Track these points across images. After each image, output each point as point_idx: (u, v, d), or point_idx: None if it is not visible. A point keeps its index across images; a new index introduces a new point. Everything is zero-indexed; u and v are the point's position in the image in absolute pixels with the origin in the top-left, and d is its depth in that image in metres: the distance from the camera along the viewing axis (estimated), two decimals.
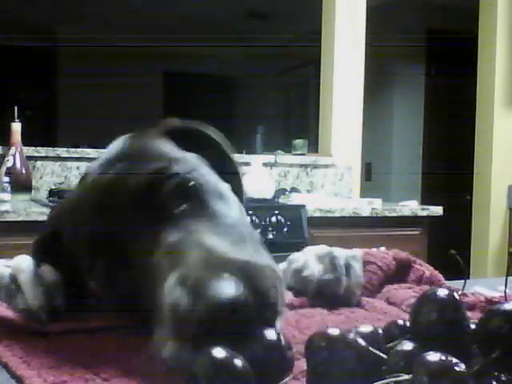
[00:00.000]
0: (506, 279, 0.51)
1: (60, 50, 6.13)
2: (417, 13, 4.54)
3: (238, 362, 0.34)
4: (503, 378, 0.33)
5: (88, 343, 0.51)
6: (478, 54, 3.42)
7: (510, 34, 3.34)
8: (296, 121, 5.95)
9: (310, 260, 0.69)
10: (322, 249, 0.71)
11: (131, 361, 0.47)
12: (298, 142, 3.23)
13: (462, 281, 0.76)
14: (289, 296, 0.67)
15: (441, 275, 0.76)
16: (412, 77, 4.69)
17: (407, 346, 0.37)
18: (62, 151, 2.60)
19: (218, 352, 0.35)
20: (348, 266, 0.69)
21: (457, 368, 0.32)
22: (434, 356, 0.32)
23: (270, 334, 0.39)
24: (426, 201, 3.92)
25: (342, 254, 0.70)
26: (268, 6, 5.22)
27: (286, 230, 2.24)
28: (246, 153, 3.02)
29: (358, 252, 0.72)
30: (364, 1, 3.17)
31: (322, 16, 3.24)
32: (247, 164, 2.76)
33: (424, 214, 2.61)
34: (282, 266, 0.73)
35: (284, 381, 0.37)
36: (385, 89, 4.69)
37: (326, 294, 0.67)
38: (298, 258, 0.71)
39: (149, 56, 6.15)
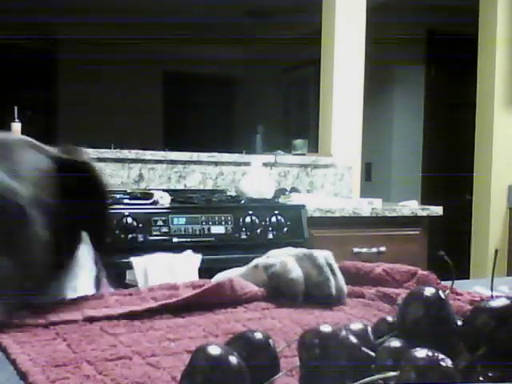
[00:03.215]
0: (492, 277, 0.51)
1: (60, 50, 6.13)
2: (417, 13, 4.54)
3: (233, 358, 0.35)
4: (489, 374, 0.33)
5: (98, 338, 0.52)
6: (478, 54, 3.42)
7: (510, 34, 3.34)
8: (296, 121, 5.95)
9: (289, 262, 0.68)
10: (293, 251, 0.71)
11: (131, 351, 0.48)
12: (298, 142, 3.23)
13: (462, 281, 0.76)
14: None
15: (435, 276, 0.76)
16: (412, 77, 4.69)
17: (395, 342, 0.38)
18: None
19: (214, 349, 0.35)
20: (330, 266, 0.69)
21: (443, 364, 0.32)
22: (421, 352, 0.33)
23: (258, 334, 0.40)
24: (425, 201, 3.92)
25: (319, 253, 0.70)
26: (268, 6, 5.22)
27: (285, 229, 2.24)
28: (246, 153, 3.02)
29: (329, 252, 0.72)
30: (364, 1, 3.17)
31: (322, 16, 3.24)
32: (247, 164, 2.76)
33: (424, 214, 2.61)
34: (241, 269, 0.73)
35: (276, 376, 0.38)
36: (385, 89, 4.69)
37: (317, 296, 0.67)
38: (270, 261, 0.70)
39: (149, 56, 6.15)
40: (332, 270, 0.68)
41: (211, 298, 0.64)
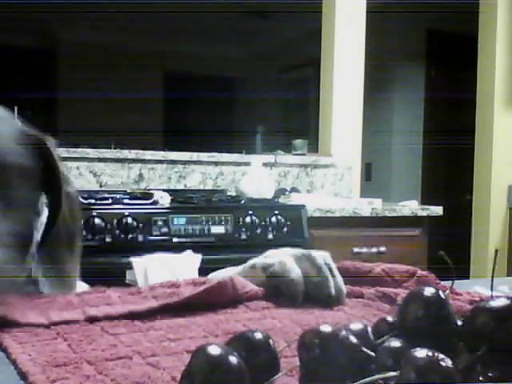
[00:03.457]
0: (492, 277, 0.51)
1: (60, 50, 6.13)
2: (417, 13, 4.54)
3: (233, 358, 0.35)
4: (489, 375, 0.33)
5: (98, 338, 0.53)
6: (478, 54, 3.42)
7: (510, 34, 3.34)
8: (296, 121, 5.95)
9: (288, 263, 0.68)
10: (291, 251, 0.71)
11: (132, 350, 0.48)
12: (298, 142, 3.23)
13: (462, 281, 0.76)
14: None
15: (434, 276, 0.76)
16: (412, 77, 4.70)
17: (394, 342, 0.38)
18: (61, 151, 2.60)
19: (214, 349, 0.35)
20: (328, 266, 0.69)
21: (443, 364, 0.32)
22: (421, 352, 0.33)
23: (258, 334, 0.40)
24: (425, 201, 3.92)
25: (317, 254, 0.70)
26: (268, 6, 5.22)
27: (285, 229, 2.24)
28: (246, 153, 3.02)
29: (325, 252, 0.72)
30: (364, 1, 3.17)
31: (322, 16, 3.24)
32: (247, 164, 2.76)
33: (424, 214, 2.61)
34: (237, 269, 0.73)
35: (276, 376, 0.38)
36: (385, 89, 4.69)
37: (317, 296, 0.67)
38: (269, 262, 0.70)
39: (149, 56, 6.15)
40: (330, 270, 0.68)
41: (213, 297, 0.64)
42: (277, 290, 0.68)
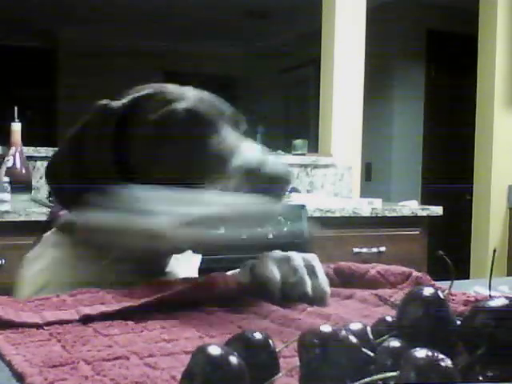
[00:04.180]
0: (490, 276, 0.51)
1: (60, 50, 6.13)
2: (417, 13, 4.54)
3: (233, 358, 0.35)
4: (489, 375, 0.33)
5: (92, 339, 0.53)
6: (478, 54, 3.42)
7: (510, 34, 3.34)
8: (296, 121, 5.95)
9: (268, 265, 0.71)
10: (277, 253, 0.73)
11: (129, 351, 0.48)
12: (297, 142, 3.23)
13: (462, 281, 0.76)
14: None
15: (429, 278, 0.76)
16: (412, 77, 4.70)
17: (394, 342, 0.38)
18: None
19: (214, 349, 0.35)
20: (310, 267, 0.70)
21: (443, 364, 0.32)
22: (420, 352, 0.33)
23: (258, 334, 0.40)
24: (425, 201, 3.92)
25: (298, 256, 0.72)
26: (268, 6, 5.22)
27: (285, 230, 2.24)
28: None
29: (313, 254, 0.74)
30: (364, 1, 3.17)
31: (322, 16, 3.24)
32: None
33: (424, 214, 2.61)
34: (238, 271, 0.75)
35: (276, 377, 0.38)
36: (385, 89, 4.69)
37: (294, 295, 0.69)
38: (254, 262, 0.72)
39: (149, 56, 6.15)
40: (314, 272, 0.70)
41: (205, 291, 0.65)
42: (259, 288, 0.69)
